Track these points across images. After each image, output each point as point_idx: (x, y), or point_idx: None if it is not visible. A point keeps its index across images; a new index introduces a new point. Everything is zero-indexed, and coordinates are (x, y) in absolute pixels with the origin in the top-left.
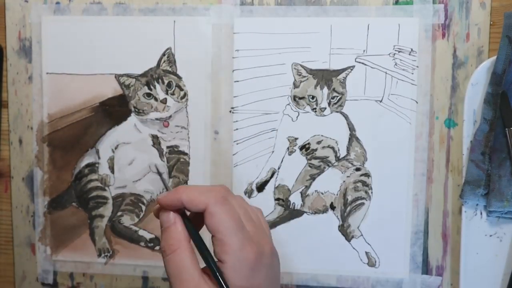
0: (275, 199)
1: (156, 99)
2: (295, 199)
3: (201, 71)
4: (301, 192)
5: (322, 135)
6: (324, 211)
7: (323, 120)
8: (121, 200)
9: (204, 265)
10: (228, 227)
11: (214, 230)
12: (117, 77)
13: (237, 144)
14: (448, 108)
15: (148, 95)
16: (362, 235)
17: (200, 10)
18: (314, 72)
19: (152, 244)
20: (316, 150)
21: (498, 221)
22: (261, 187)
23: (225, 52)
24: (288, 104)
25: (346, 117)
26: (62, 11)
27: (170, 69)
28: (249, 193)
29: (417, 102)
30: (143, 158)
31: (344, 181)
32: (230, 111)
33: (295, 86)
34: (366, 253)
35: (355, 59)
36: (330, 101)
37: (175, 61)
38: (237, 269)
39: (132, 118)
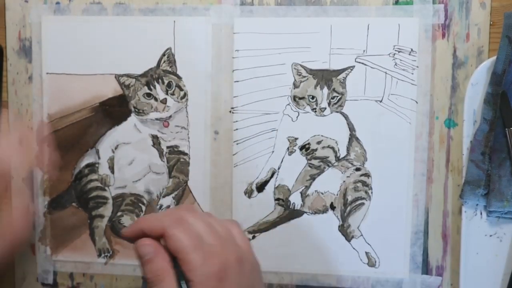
0: (275, 199)
1: (156, 99)
2: (295, 199)
3: (201, 71)
4: (301, 192)
5: (322, 135)
6: (324, 211)
7: (323, 120)
8: (121, 200)
9: None
10: (187, 245)
11: (175, 251)
12: (117, 77)
13: (237, 144)
14: (448, 108)
15: (148, 95)
16: (362, 235)
17: (200, 10)
18: (314, 72)
19: None
20: (316, 150)
21: (498, 221)
22: (261, 187)
23: (225, 52)
24: (288, 104)
25: (346, 117)
26: (62, 11)
27: (170, 69)
28: (249, 193)
29: (417, 102)
30: (143, 158)
31: (344, 181)
32: (230, 111)
33: (295, 86)
34: (366, 253)
35: (355, 59)
36: (330, 101)
37: (175, 61)
38: (204, 284)
39: (132, 118)
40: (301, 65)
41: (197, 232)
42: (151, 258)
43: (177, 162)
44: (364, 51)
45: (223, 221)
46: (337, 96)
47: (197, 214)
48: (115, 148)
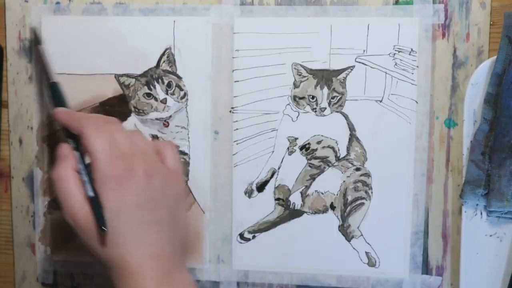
0: (275, 199)
1: (156, 99)
2: (295, 199)
3: (201, 71)
4: (301, 192)
5: (322, 135)
6: (324, 211)
7: (323, 120)
8: None
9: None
10: (97, 146)
11: (87, 151)
12: (117, 77)
13: (237, 144)
14: (448, 108)
15: (148, 95)
16: (362, 235)
17: (200, 10)
18: (314, 72)
19: None
20: (316, 150)
21: (498, 221)
22: (261, 187)
23: (225, 52)
24: (288, 104)
25: (346, 117)
26: (62, 11)
27: (170, 69)
28: (249, 193)
29: (417, 102)
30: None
31: (344, 181)
32: (230, 111)
33: (295, 86)
34: (366, 253)
35: (355, 59)
36: (330, 101)
37: (175, 61)
38: (104, 182)
39: (132, 118)
40: (301, 65)
41: (112, 139)
42: (60, 159)
43: None
44: (364, 51)
45: (157, 142)
46: (337, 96)
47: (122, 128)
48: None
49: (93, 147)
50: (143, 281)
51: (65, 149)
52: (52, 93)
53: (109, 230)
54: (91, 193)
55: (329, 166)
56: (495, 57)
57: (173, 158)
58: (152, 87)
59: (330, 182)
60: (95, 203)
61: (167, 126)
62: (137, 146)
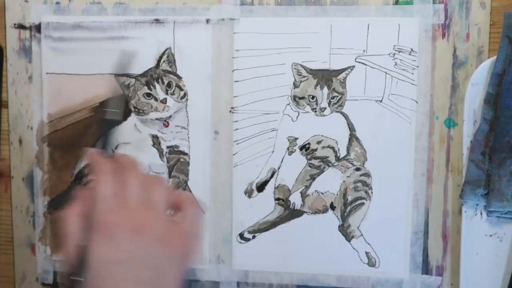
0: (275, 199)
1: (156, 99)
2: (295, 199)
3: (201, 71)
4: (301, 192)
5: (322, 135)
6: (324, 211)
7: (323, 120)
8: None
9: None
10: (101, 195)
11: (94, 198)
12: (117, 77)
13: (237, 144)
14: (448, 108)
15: (148, 95)
16: (362, 235)
17: (200, 10)
18: (314, 72)
19: None
20: (316, 150)
21: (498, 221)
22: (261, 187)
23: (225, 52)
24: (288, 104)
25: (346, 117)
26: (62, 11)
27: (170, 69)
28: (249, 193)
29: (417, 102)
30: (143, 158)
31: (344, 181)
32: (230, 111)
33: (295, 86)
34: (366, 253)
35: (355, 59)
36: (330, 101)
37: (175, 61)
38: (95, 231)
39: (132, 118)
40: (301, 65)
41: (120, 189)
42: (73, 202)
43: (177, 162)
44: (364, 51)
45: (181, 196)
46: (337, 96)
47: (139, 175)
48: (115, 148)
49: (97, 194)
50: None
51: (81, 192)
52: (103, 132)
53: (86, 281)
54: (79, 242)
55: (329, 166)
56: (495, 57)
57: (190, 218)
58: (152, 87)
59: (330, 182)
60: (80, 252)
61: (167, 126)
62: (146, 198)
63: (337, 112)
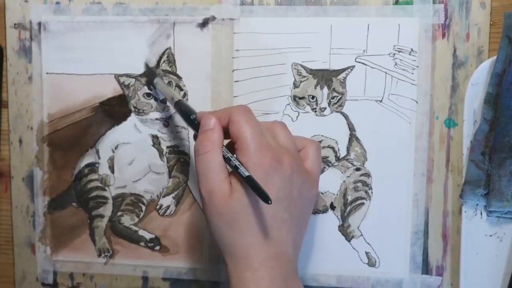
0: None
1: (156, 99)
2: None
3: (201, 71)
4: None
5: (322, 135)
6: (324, 211)
7: (323, 120)
8: (121, 200)
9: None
10: (248, 132)
11: (235, 136)
12: (117, 77)
13: None
14: (448, 108)
15: (148, 95)
16: (362, 235)
17: (200, 10)
18: (314, 72)
19: (152, 244)
20: None
21: (498, 221)
22: None
23: (225, 52)
24: (288, 104)
25: (346, 117)
26: (62, 11)
27: (169, 69)
28: None
29: (417, 102)
30: (143, 158)
31: (344, 181)
32: None
33: (295, 86)
34: (366, 253)
35: (355, 59)
36: (330, 101)
37: (174, 61)
38: (251, 169)
39: (132, 118)
40: (301, 65)
41: (260, 127)
42: (207, 130)
43: (177, 162)
44: (364, 51)
45: (302, 140)
46: (337, 96)
47: (263, 121)
48: (115, 148)
49: (243, 133)
50: (261, 280)
51: (212, 121)
52: (181, 109)
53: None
54: (246, 173)
55: (329, 166)
56: (495, 57)
57: (315, 160)
58: (152, 87)
59: (330, 182)
60: (253, 182)
61: (167, 126)
62: (281, 140)
63: (337, 112)
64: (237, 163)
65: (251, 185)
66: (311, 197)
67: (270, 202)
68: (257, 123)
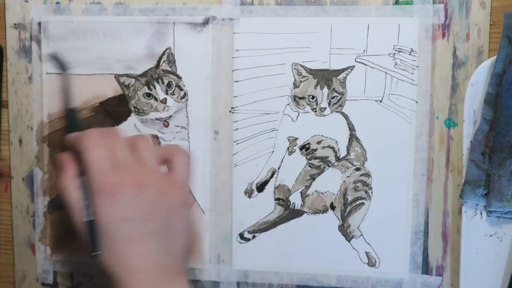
0: (275, 199)
1: (156, 99)
2: (295, 199)
3: (201, 71)
4: (301, 192)
5: (322, 135)
6: (324, 211)
7: (323, 120)
8: None
9: None
10: (94, 158)
11: (85, 164)
12: (117, 77)
13: (237, 144)
14: (448, 108)
15: (148, 95)
16: (362, 235)
17: (200, 10)
18: (314, 72)
19: None
20: (316, 150)
21: (498, 221)
22: (261, 187)
23: (225, 52)
24: (288, 104)
25: (346, 117)
26: (62, 11)
27: (170, 69)
28: (249, 193)
29: (417, 102)
30: None
31: (344, 181)
32: (230, 111)
33: (295, 86)
34: (366, 253)
35: (355, 59)
36: (330, 101)
37: (175, 61)
38: (96, 195)
39: (132, 118)
40: (301, 65)
41: (110, 150)
42: (61, 170)
43: None
44: (364, 51)
45: (168, 149)
46: (337, 96)
47: (122, 137)
48: None
49: (88, 159)
50: None
51: (64, 157)
52: (67, 119)
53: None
54: (85, 218)
55: (329, 166)
56: (495, 57)
57: (181, 167)
58: (152, 87)
59: (330, 182)
60: (89, 228)
61: (167, 126)
62: (137, 156)
63: (337, 112)
64: (83, 206)
65: (87, 232)
66: (173, 205)
67: (95, 254)
68: (106, 146)
